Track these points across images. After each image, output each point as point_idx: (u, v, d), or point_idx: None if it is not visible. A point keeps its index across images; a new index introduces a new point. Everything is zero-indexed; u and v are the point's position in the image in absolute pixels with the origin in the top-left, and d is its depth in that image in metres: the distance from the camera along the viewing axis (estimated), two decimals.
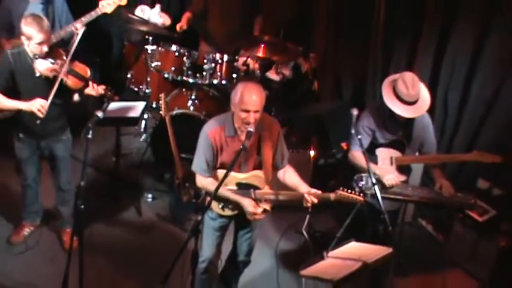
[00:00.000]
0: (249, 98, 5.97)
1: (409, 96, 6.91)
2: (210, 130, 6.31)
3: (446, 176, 7.43)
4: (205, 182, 6.41)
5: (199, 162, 6.39)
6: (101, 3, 8.10)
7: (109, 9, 8.15)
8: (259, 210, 6.34)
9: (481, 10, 7.91)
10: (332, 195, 6.25)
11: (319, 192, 6.31)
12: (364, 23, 9.19)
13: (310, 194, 6.28)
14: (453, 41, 8.24)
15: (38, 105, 6.84)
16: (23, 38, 6.87)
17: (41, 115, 6.86)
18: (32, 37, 6.77)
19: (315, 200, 6.26)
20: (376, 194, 6.51)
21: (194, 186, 7.48)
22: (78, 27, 7.67)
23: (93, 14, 8.03)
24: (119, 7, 8.31)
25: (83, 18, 7.99)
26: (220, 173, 6.28)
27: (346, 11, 9.44)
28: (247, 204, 6.31)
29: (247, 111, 5.98)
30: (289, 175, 6.59)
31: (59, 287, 6.59)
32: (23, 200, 7.95)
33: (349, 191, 6.27)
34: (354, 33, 9.40)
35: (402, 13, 8.67)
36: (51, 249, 7.93)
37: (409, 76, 7.02)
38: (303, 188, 6.41)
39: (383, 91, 7.09)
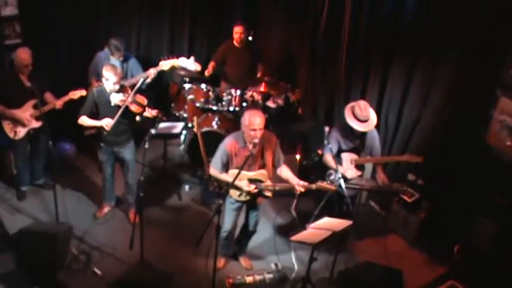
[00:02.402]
0: (255, 120, 6.12)
1: (363, 116, 7.11)
2: (228, 142, 6.47)
3: (384, 171, 7.61)
4: (216, 172, 6.59)
5: (216, 163, 6.53)
6: (160, 63, 8.21)
7: (166, 67, 8.27)
8: (252, 187, 6.48)
9: (408, 61, 8.02)
10: (314, 186, 6.45)
11: (306, 183, 6.45)
12: (331, 69, 9.19)
13: (299, 185, 6.44)
14: (390, 81, 8.33)
15: (106, 122, 7.09)
16: (103, 79, 7.04)
17: (107, 129, 7.10)
18: (108, 78, 6.98)
19: (302, 189, 6.43)
20: (341, 184, 6.67)
21: (218, 180, 7.51)
22: (154, 72, 7.91)
23: (154, 70, 8.10)
24: (173, 66, 8.40)
25: (147, 72, 8.09)
26: (234, 171, 6.40)
27: (319, 61, 9.42)
28: (244, 184, 6.45)
29: (255, 130, 6.10)
30: (284, 171, 6.70)
31: (127, 247, 6.85)
32: (103, 189, 8.03)
33: (325, 182, 6.41)
34: (325, 76, 9.40)
35: (357, 63, 8.70)
36: (121, 222, 7.99)
37: (362, 103, 7.23)
38: (294, 180, 6.55)
39: (345, 113, 7.27)
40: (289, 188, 6.59)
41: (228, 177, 6.53)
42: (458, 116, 7.59)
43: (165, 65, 8.26)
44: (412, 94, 8.09)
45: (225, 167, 6.58)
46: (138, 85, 7.21)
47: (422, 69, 7.87)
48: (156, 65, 8.25)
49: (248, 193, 6.57)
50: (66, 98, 7.54)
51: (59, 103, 7.55)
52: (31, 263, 6.77)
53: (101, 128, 7.20)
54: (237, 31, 9.33)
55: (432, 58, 7.71)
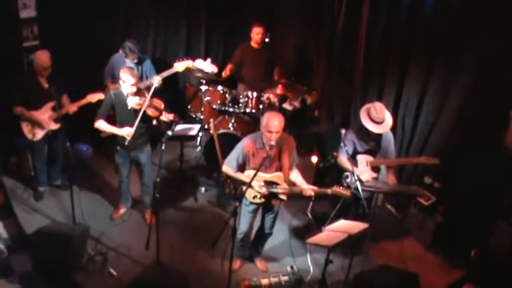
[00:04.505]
0: (273, 123, 6.14)
1: (378, 118, 7.07)
2: (246, 143, 6.49)
3: (395, 174, 7.65)
4: (229, 170, 6.61)
5: (231, 161, 6.56)
6: (175, 65, 8.31)
7: (180, 69, 8.38)
8: (263, 190, 6.48)
9: (425, 63, 7.99)
10: (329, 190, 6.42)
11: (316, 188, 6.49)
12: (348, 71, 9.20)
13: (307, 190, 6.45)
14: (407, 84, 8.31)
15: (127, 132, 7.12)
16: (120, 81, 7.06)
17: (128, 138, 7.11)
18: (126, 81, 7.01)
19: (312, 193, 6.44)
20: (357, 187, 6.67)
21: (233, 182, 7.54)
22: (158, 79, 7.78)
23: (169, 72, 8.22)
24: (187, 68, 8.47)
25: (163, 74, 8.16)
26: (250, 172, 6.41)
27: (336, 63, 9.42)
28: (256, 185, 6.43)
29: (271, 132, 6.12)
30: (294, 175, 6.71)
31: (143, 247, 6.87)
32: (119, 190, 8.08)
33: (340, 187, 6.38)
34: (342, 78, 9.39)
35: (374, 65, 8.68)
36: (138, 223, 8.05)
37: (378, 104, 7.20)
38: (303, 184, 6.56)
39: (360, 115, 7.24)
40: (301, 192, 6.58)
41: (241, 176, 6.57)
42: (476, 118, 7.54)
43: (179, 66, 8.34)
44: (429, 97, 8.06)
45: (241, 168, 6.60)
46: (153, 89, 7.25)
47: (439, 71, 7.84)
48: (171, 66, 8.31)
49: (263, 196, 6.60)
50: (83, 102, 7.62)
51: (72, 108, 7.65)
52: (48, 263, 6.87)
53: (121, 137, 7.25)
54: (258, 32, 9.35)
55: (449, 60, 7.67)
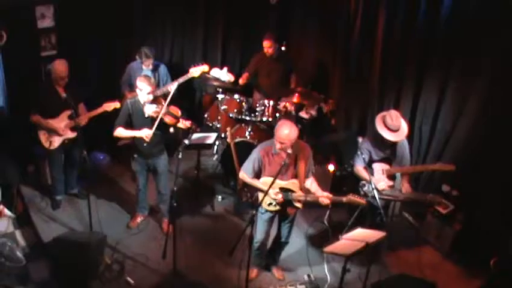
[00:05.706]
0: (280, 132, 6.19)
1: (393, 126, 7.06)
2: (262, 148, 6.52)
3: (409, 181, 7.59)
4: (245, 176, 6.64)
5: (248, 167, 6.59)
6: (190, 70, 8.27)
7: (196, 74, 8.33)
8: (279, 196, 6.47)
9: (442, 71, 7.92)
10: (344, 199, 6.40)
11: (331, 195, 6.49)
12: (364, 79, 9.17)
13: (323, 198, 6.45)
14: (424, 92, 8.25)
15: (146, 133, 7.13)
16: (137, 90, 7.09)
17: (147, 139, 7.13)
18: (143, 89, 7.04)
19: (327, 201, 6.47)
20: (374, 195, 6.61)
21: (250, 190, 7.51)
22: (174, 86, 7.78)
23: (184, 77, 8.18)
24: (203, 72, 8.45)
25: (179, 79, 8.12)
26: (266, 179, 6.45)
27: (353, 71, 9.40)
28: (271, 192, 6.40)
29: (277, 141, 6.20)
30: (309, 182, 6.68)
31: (159, 256, 6.84)
32: (136, 199, 8.08)
33: (356, 196, 6.37)
34: (358, 87, 9.37)
35: (390, 73, 8.64)
36: (154, 232, 8.04)
37: (393, 112, 7.19)
38: (319, 192, 6.55)
39: (376, 122, 7.23)
40: (317, 200, 6.56)
41: (257, 183, 6.57)
42: (494, 125, 7.47)
43: (195, 71, 8.32)
44: (446, 104, 8.00)
45: (257, 175, 6.60)
46: (170, 96, 7.25)
47: (456, 79, 7.78)
48: (186, 72, 8.33)
49: (277, 203, 6.57)
50: (99, 110, 7.68)
51: (84, 120, 7.70)
52: (65, 271, 6.88)
53: (140, 139, 7.27)
54: (265, 45, 9.33)
55: (467, 68, 7.61)
